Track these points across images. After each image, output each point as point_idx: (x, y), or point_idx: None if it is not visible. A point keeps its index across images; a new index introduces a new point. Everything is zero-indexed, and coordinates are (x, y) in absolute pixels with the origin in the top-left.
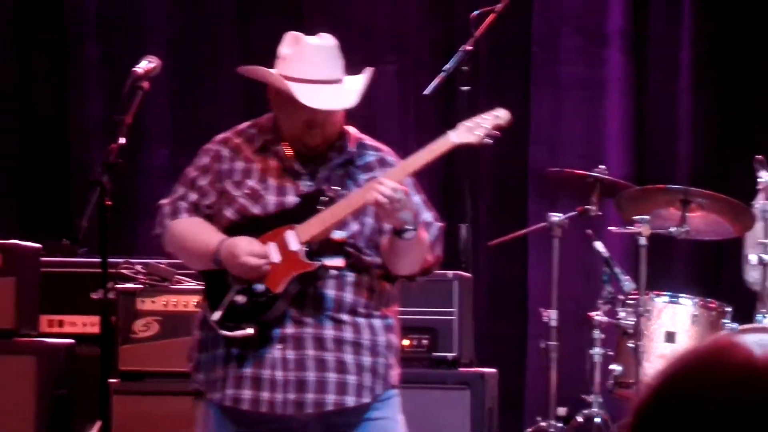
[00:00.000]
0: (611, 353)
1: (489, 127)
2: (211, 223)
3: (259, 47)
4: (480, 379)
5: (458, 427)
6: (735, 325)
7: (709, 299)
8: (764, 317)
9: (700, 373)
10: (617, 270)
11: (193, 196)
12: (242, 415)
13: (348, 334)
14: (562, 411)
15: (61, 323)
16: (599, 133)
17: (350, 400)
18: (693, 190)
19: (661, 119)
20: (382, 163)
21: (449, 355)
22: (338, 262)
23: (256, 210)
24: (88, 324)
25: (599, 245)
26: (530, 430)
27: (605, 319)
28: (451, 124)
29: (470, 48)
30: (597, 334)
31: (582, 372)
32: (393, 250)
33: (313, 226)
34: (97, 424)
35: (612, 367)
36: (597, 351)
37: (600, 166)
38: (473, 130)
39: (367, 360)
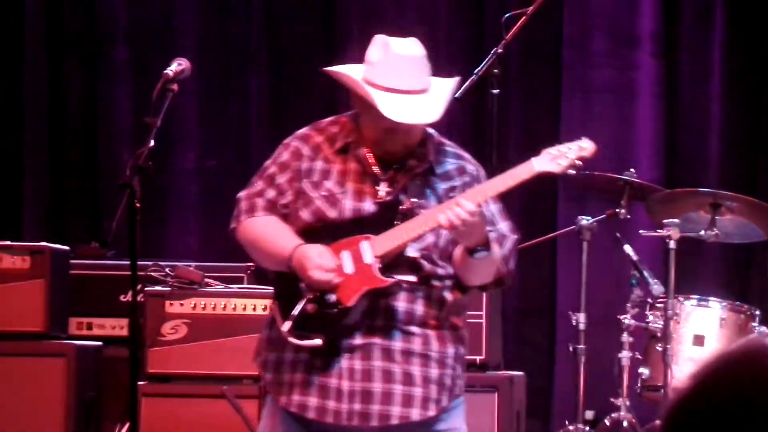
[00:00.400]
0: (639, 356)
1: (573, 158)
2: (286, 221)
3: (288, 49)
4: (508, 382)
5: (486, 430)
6: (764, 329)
7: (737, 302)
8: None
9: (730, 377)
10: (646, 273)
11: (271, 194)
12: (308, 423)
13: (416, 346)
14: (590, 414)
15: (90, 326)
16: (629, 136)
17: (415, 414)
18: (723, 194)
19: (692, 123)
20: (462, 171)
21: (477, 358)
22: (411, 278)
23: (332, 214)
24: (116, 326)
25: (628, 248)
26: None
27: (634, 322)
28: (481, 127)
29: (501, 51)
30: (625, 337)
31: (610, 375)
32: (465, 265)
33: (388, 241)
34: (126, 426)
35: (640, 370)
36: (625, 354)
37: (630, 170)
38: (557, 158)
39: (434, 372)
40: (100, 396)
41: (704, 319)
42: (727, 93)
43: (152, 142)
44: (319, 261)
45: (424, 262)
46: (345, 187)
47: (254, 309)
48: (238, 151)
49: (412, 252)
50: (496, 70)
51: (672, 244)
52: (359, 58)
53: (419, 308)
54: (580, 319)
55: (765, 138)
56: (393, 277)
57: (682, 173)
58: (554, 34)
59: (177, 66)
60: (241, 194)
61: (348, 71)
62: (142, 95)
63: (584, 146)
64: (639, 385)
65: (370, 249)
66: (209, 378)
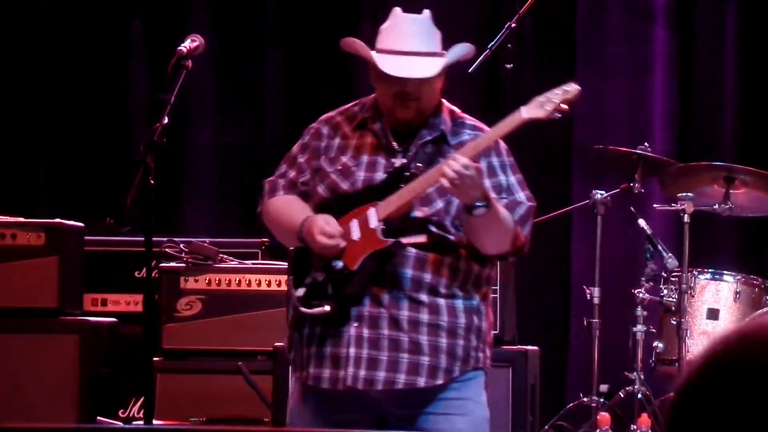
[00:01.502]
0: (654, 330)
1: (558, 102)
2: (307, 200)
3: (303, 25)
4: (522, 356)
5: (500, 404)
6: None
7: (752, 276)
8: None
9: (743, 353)
10: (660, 247)
11: (291, 174)
12: (324, 394)
13: (425, 315)
14: (604, 388)
15: (104, 302)
16: (644, 110)
17: (422, 381)
18: (737, 167)
19: (706, 97)
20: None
21: (492, 332)
22: (419, 239)
23: (345, 186)
24: (131, 303)
25: (642, 222)
26: (572, 406)
27: (648, 296)
28: (495, 102)
29: (515, 25)
30: (639, 311)
31: (624, 349)
32: (468, 227)
33: (391, 203)
34: (141, 402)
35: (654, 344)
36: (639, 328)
37: (644, 144)
38: (544, 104)
39: (443, 342)
40: (115, 373)
41: (718, 292)
42: (741, 67)
43: (166, 119)
44: (323, 226)
45: (433, 227)
46: (359, 160)
47: (269, 285)
48: (253, 127)
49: (418, 214)
50: (509, 45)
51: (686, 218)
52: (375, 38)
53: (428, 275)
54: (595, 293)
55: None
56: (396, 238)
57: (696, 147)
58: (569, 8)
59: (191, 42)
60: (266, 179)
61: (360, 42)
62: (157, 71)
63: (568, 89)
64: (653, 358)
65: (375, 214)
66: (224, 354)
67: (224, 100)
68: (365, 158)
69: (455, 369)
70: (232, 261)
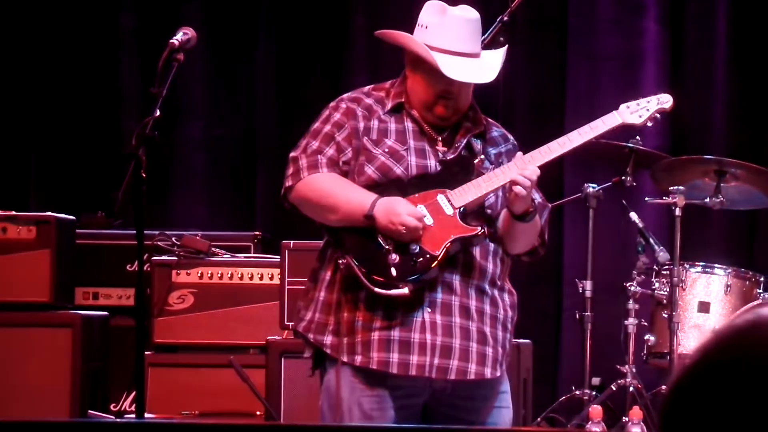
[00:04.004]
0: (645, 323)
1: (653, 111)
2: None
3: (296, 19)
4: (515, 350)
5: None
6: None
7: (742, 269)
8: None
9: (736, 349)
10: (652, 240)
11: (330, 151)
12: (383, 378)
13: (488, 307)
14: (596, 381)
15: (96, 295)
16: None
17: (488, 372)
18: (728, 161)
19: (697, 90)
20: (506, 139)
21: None
22: (486, 230)
23: (398, 170)
24: (123, 296)
25: (634, 216)
26: (564, 399)
27: (640, 289)
28: (486, 96)
29: (507, 18)
30: (631, 304)
31: (616, 342)
32: (511, 231)
33: (468, 193)
34: (132, 396)
35: (646, 337)
36: (631, 321)
37: (635, 137)
38: (638, 112)
39: (500, 334)
40: (107, 366)
41: (709, 286)
42: (732, 60)
43: (158, 112)
44: (408, 208)
45: (491, 219)
46: (407, 145)
47: (261, 278)
48: (245, 120)
49: (483, 206)
50: (501, 38)
51: (677, 212)
52: (366, 27)
53: (490, 266)
54: (587, 286)
55: None
56: (479, 226)
57: (687, 141)
58: (560, 2)
59: (182, 35)
60: (295, 153)
61: (404, 34)
62: (149, 64)
63: (663, 100)
64: (645, 351)
65: (448, 201)
66: (216, 347)
67: (216, 93)
68: (412, 143)
69: (504, 362)
70: (225, 254)
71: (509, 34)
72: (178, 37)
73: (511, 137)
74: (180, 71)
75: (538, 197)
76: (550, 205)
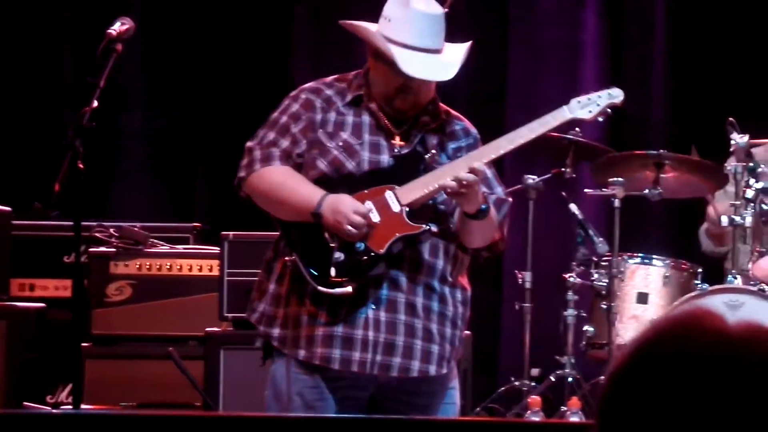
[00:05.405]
0: (584, 314)
1: (604, 105)
2: (300, 171)
3: (238, 8)
4: None
5: None
6: (706, 286)
7: (680, 260)
8: (735, 278)
9: (673, 340)
10: (591, 232)
11: (285, 143)
12: (325, 370)
13: (435, 304)
14: (535, 372)
15: (32, 287)
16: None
17: (433, 369)
18: (666, 154)
19: (636, 81)
20: (467, 133)
21: None
22: (433, 227)
23: (350, 166)
24: (60, 288)
25: (574, 207)
26: (504, 389)
27: (579, 280)
28: None
29: (447, 10)
30: (571, 295)
31: (555, 333)
32: (465, 227)
33: (415, 189)
34: (69, 388)
35: (585, 328)
36: (570, 312)
37: (575, 129)
38: (588, 106)
39: (449, 331)
40: (43, 358)
41: (648, 277)
42: (671, 51)
43: (96, 103)
44: (354, 205)
45: (442, 216)
46: (361, 139)
47: (200, 269)
48: (185, 111)
49: (433, 203)
50: None
51: (617, 203)
52: (307, 17)
53: (440, 262)
54: (526, 277)
55: (708, 96)
56: (424, 224)
57: (626, 132)
58: None
59: (121, 25)
60: (251, 144)
61: (365, 26)
62: (87, 54)
63: (614, 94)
64: (584, 342)
65: (396, 198)
66: (154, 339)
67: (156, 83)
68: (367, 138)
69: (452, 359)
70: (163, 246)
71: (449, 24)
72: (116, 27)
73: (473, 131)
74: (120, 61)
75: (500, 191)
76: (511, 199)
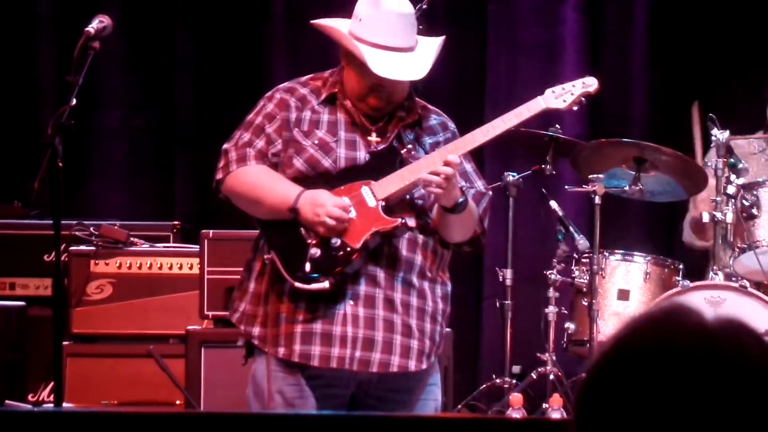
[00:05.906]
0: (565, 311)
1: (578, 95)
2: (276, 171)
3: (215, 6)
4: None
5: None
6: (687, 282)
7: (661, 257)
8: (716, 274)
9: (652, 337)
10: (572, 228)
11: (261, 144)
12: (304, 368)
13: (414, 299)
14: (516, 369)
15: (12, 286)
16: None
17: (412, 365)
18: (647, 145)
19: (616, 78)
20: (445, 127)
21: None
22: (411, 222)
23: (326, 163)
24: (40, 286)
25: (554, 204)
26: (485, 386)
27: (560, 277)
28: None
29: (426, 6)
30: (551, 292)
31: (536, 330)
32: (444, 222)
33: (391, 184)
34: (50, 387)
35: (566, 325)
36: (551, 309)
37: (555, 125)
38: (563, 96)
39: (428, 327)
40: (24, 357)
41: (629, 273)
42: (650, 47)
43: (74, 101)
44: (333, 200)
45: (420, 210)
46: (337, 136)
47: (180, 268)
48: (163, 109)
49: (411, 197)
50: (421, 26)
51: (597, 200)
52: (285, 15)
53: (419, 257)
54: (507, 274)
55: (688, 92)
56: (399, 218)
57: (606, 128)
58: None
59: (98, 23)
60: (227, 146)
61: (335, 25)
62: (65, 52)
63: (588, 83)
64: (565, 339)
65: (372, 193)
66: (135, 337)
67: (134, 81)
68: (342, 135)
69: (432, 355)
70: (143, 244)
71: (428, 22)
72: (94, 25)
73: (451, 125)
74: (97, 59)
75: (480, 185)
76: (491, 192)
